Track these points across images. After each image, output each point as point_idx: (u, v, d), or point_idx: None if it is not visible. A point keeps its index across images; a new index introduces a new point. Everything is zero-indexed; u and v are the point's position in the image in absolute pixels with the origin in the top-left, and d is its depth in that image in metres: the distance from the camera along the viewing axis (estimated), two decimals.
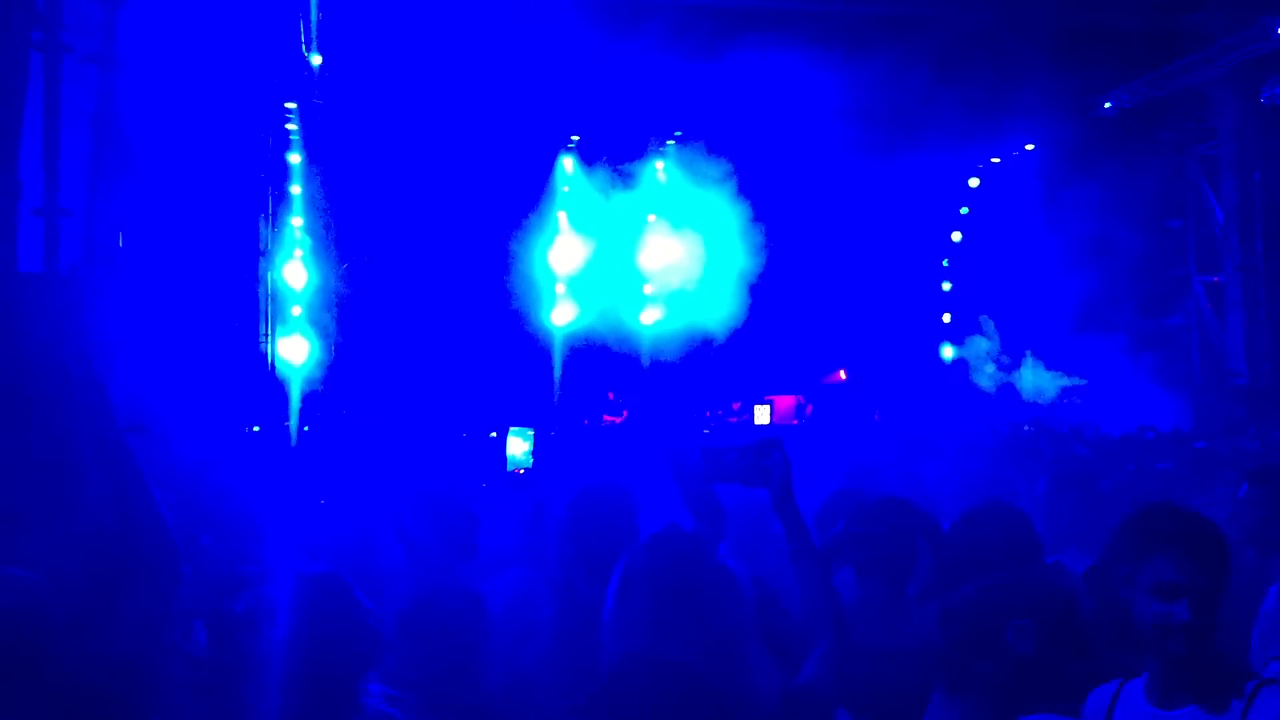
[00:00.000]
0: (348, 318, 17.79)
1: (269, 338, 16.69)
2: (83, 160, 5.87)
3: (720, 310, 19.04)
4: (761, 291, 19.01)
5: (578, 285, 19.57)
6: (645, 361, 19.98)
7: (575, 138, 19.22)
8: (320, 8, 14.02)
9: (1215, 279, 17.47)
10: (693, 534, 2.26)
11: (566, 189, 19.68)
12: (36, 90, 5.29)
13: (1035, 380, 19.66)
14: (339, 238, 17.75)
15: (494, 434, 13.43)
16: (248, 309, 14.64)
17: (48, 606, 2.89)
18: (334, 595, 2.60)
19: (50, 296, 5.02)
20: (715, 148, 18.60)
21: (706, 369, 19.78)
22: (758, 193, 18.73)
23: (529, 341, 18.99)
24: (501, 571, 4.09)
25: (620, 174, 19.42)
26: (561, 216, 19.57)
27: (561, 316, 19.28)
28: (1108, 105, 17.53)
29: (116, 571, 3.01)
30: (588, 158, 19.44)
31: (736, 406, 19.86)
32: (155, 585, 2.82)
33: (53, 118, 5.41)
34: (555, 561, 3.52)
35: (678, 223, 19.77)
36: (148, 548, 2.86)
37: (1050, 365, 19.39)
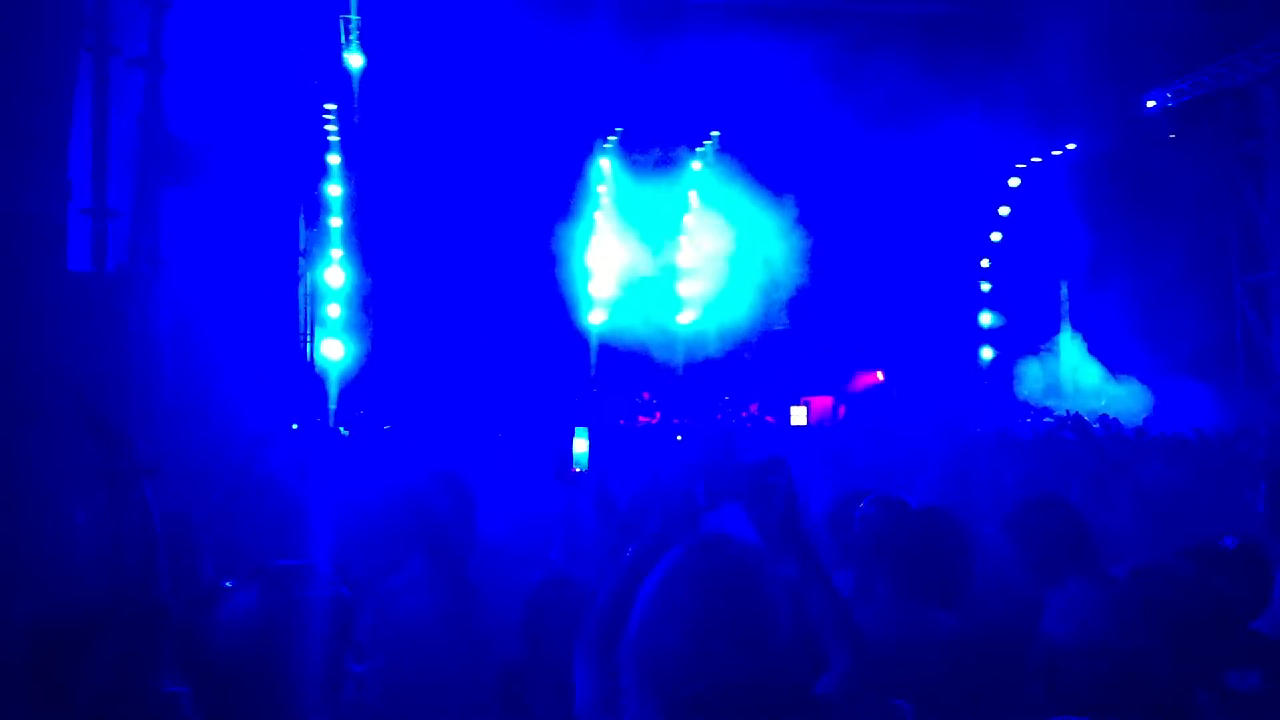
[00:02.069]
0: (384, 317, 17.93)
1: (308, 337, 16.85)
2: (130, 161, 5.96)
3: (756, 311, 19.08)
4: (799, 292, 19.01)
5: (614, 285, 19.64)
6: (681, 362, 20.03)
7: (613, 137, 19.26)
8: (360, 10, 14.14)
9: (1258, 279, 17.27)
10: (743, 541, 2.27)
11: (604, 189, 19.74)
12: (86, 92, 5.38)
13: (1077, 378, 19.55)
14: (377, 238, 17.88)
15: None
16: (288, 309, 14.78)
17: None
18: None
19: (98, 295, 5.10)
20: (752, 148, 18.61)
21: (742, 369, 19.79)
22: (795, 193, 18.74)
23: (565, 341, 19.06)
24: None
25: (657, 172, 19.47)
26: (599, 217, 19.65)
27: (598, 316, 19.34)
28: (1151, 104, 17.37)
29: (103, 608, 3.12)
30: (625, 157, 19.49)
31: (754, 408, 19.82)
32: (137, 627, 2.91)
33: (101, 119, 5.50)
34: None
35: (714, 222, 19.83)
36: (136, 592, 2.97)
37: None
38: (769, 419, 19.25)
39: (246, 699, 2.56)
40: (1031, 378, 20.24)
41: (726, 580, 2.15)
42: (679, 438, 15.78)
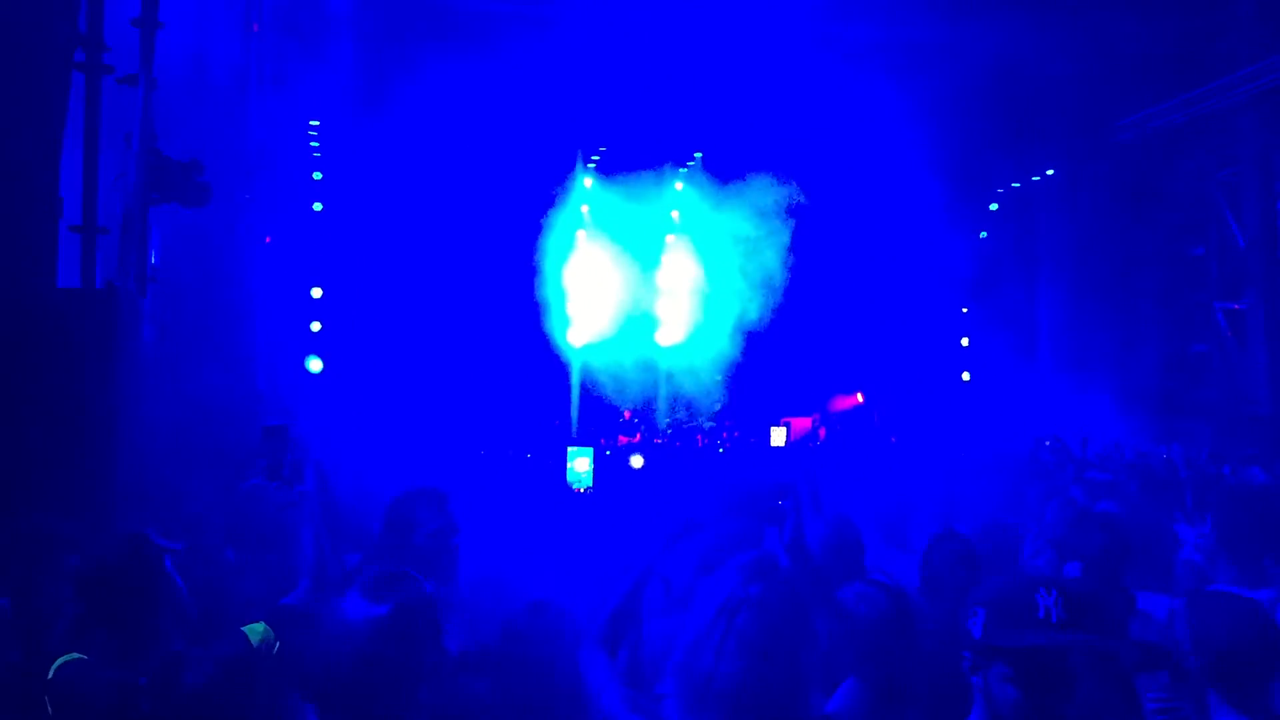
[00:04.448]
0: (365, 331, 17.90)
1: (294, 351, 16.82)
2: (119, 179, 6.00)
3: (736, 332, 19.15)
4: (778, 313, 19.09)
5: (594, 305, 19.69)
6: (661, 381, 20.08)
7: (596, 157, 19.34)
8: (340, 29, 14.20)
9: (1237, 306, 17.42)
10: (791, 568, 2.36)
11: (586, 208, 19.81)
12: (78, 110, 5.42)
13: None
14: (359, 252, 17.87)
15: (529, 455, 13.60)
16: (275, 323, 14.79)
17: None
18: None
19: (87, 311, 5.13)
20: (733, 170, 18.71)
21: (723, 389, 19.86)
22: (778, 214, 18.83)
23: (546, 360, 19.07)
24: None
25: (638, 191, 19.53)
26: (580, 235, 19.71)
27: (578, 336, 19.38)
28: (1130, 131, 17.54)
29: None
30: (608, 173, 19.54)
31: (735, 435, 19.84)
32: None
33: (92, 137, 5.54)
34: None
35: (695, 242, 19.94)
36: None
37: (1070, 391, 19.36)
38: (749, 440, 19.32)
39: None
40: None
41: (782, 609, 2.23)
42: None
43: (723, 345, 19.36)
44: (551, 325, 19.08)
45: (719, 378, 19.70)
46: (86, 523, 4.39)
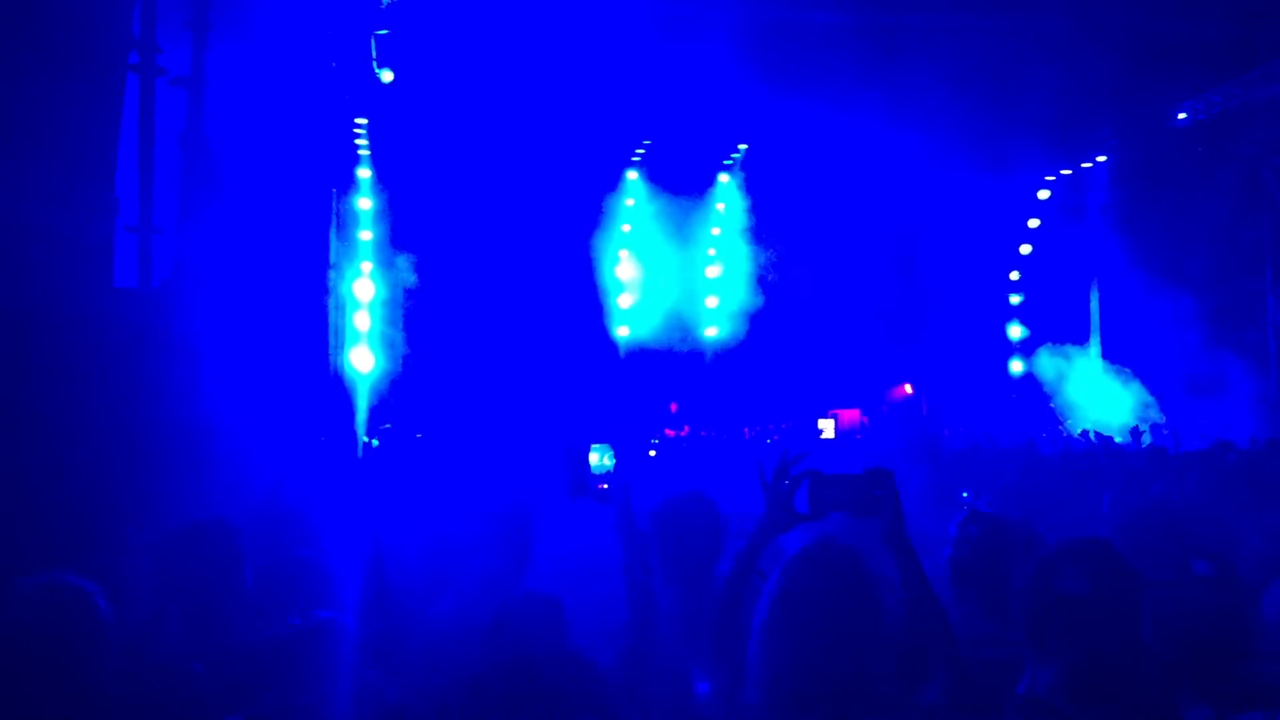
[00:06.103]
0: (414, 328, 18.04)
1: (338, 349, 16.97)
2: (173, 179, 6.08)
3: (781, 325, 19.13)
4: (826, 304, 19.03)
5: (641, 297, 19.74)
6: (708, 374, 20.08)
7: (641, 151, 19.33)
8: (390, 25, 14.27)
9: None
10: (849, 548, 2.33)
11: (631, 201, 19.83)
12: (132, 112, 5.50)
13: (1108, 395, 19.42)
14: (406, 250, 18.00)
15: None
16: (319, 322, 14.91)
17: (96, 612, 3.04)
18: None
19: (143, 310, 5.21)
20: (782, 160, 18.65)
21: (770, 381, 19.81)
22: (825, 205, 18.76)
23: (593, 353, 19.13)
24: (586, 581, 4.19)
25: (685, 185, 19.54)
26: (626, 230, 19.75)
27: (624, 329, 19.42)
28: (1182, 116, 17.28)
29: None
30: (653, 168, 19.55)
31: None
32: None
33: (147, 138, 5.62)
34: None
35: (741, 236, 19.93)
36: None
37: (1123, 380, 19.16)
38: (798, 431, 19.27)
39: None
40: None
41: (840, 586, 2.22)
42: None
43: (769, 337, 19.35)
44: (599, 320, 19.16)
45: (766, 370, 19.68)
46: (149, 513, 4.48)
